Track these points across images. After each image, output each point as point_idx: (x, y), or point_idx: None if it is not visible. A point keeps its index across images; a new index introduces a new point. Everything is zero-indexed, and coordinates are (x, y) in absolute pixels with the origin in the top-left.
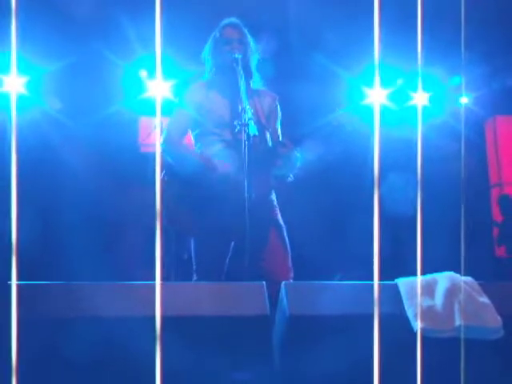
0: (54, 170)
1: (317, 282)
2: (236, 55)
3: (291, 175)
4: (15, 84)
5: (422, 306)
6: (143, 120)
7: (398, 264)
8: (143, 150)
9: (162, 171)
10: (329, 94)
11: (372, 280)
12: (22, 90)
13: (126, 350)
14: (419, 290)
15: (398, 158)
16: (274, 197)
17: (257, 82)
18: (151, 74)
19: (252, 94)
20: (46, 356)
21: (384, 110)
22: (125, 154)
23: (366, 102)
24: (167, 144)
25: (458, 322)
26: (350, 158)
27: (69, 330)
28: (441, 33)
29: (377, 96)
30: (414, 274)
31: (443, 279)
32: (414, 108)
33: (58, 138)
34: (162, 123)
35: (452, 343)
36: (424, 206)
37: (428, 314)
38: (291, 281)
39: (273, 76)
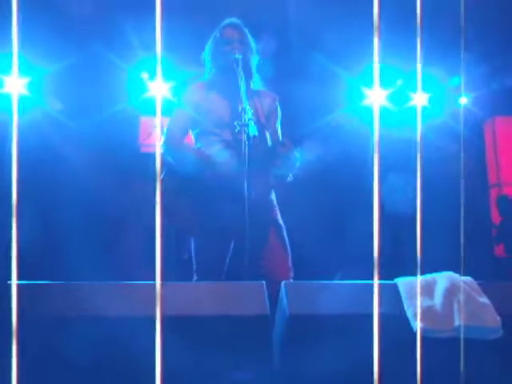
0: (55, 171)
1: (317, 281)
2: (236, 55)
3: (290, 175)
4: (17, 85)
5: (421, 306)
6: (144, 120)
7: (397, 264)
8: (144, 150)
9: (162, 171)
10: (328, 94)
11: (372, 280)
12: (24, 91)
13: (126, 350)
14: (419, 290)
15: (397, 159)
16: (273, 197)
17: (257, 83)
18: (152, 74)
19: (252, 94)
20: (46, 356)
21: (383, 111)
22: (125, 154)
23: (366, 102)
24: (168, 144)
25: (457, 321)
26: (349, 159)
27: (69, 329)
28: (440, 33)
29: (376, 96)
30: (414, 273)
31: (443, 279)
32: (414, 109)
33: (59, 139)
34: (162, 123)
35: (451, 343)
36: (423, 206)
37: (427, 313)
38: (291, 280)
39: (273, 76)
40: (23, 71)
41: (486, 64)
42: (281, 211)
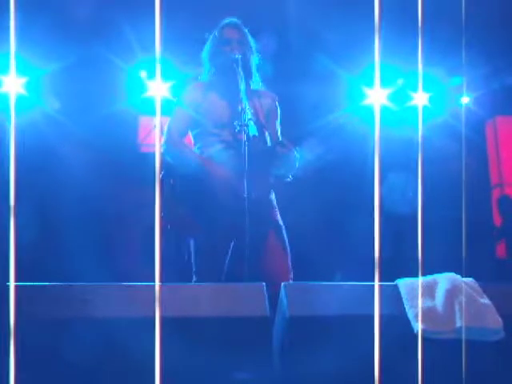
0: (54, 170)
1: (317, 282)
2: (236, 55)
3: (290, 175)
4: (14, 84)
5: (422, 307)
6: (143, 120)
7: (398, 265)
8: (143, 149)
9: (161, 171)
10: (329, 94)
11: (372, 281)
12: (22, 91)
13: (125, 351)
14: (420, 291)
15: (398, 159)
16: (273, 197)
17: (256, 83)
18: (151, 74)
19: (251, 94)
20: (44, 357)
21: (384, 110)
22: (124, 154)
23: (367, 102)
24: (167, 144)
25: (458, 323)
26: (350, 158)
27: (68, 331)
28: (441, 33)
29: (377, 96)
30: (415, 274)
31: (444, 280)
32: (415, 108)
33: (57, 139)
34: (161, 123)
35: (452, 344)
36: (425, 207)
37: (428, 315)
38: (291, 281)
39: (273, 76)
40: (21, 71)
41: (487, 63)
42: (281, 211)
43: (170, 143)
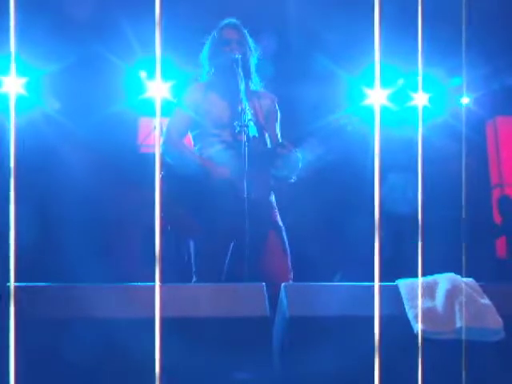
0: (54, 171)
1: (317, 283)
2: (236, 56)
3: (294, 176)
4: (14, 85)
5: (422, 308)
6: (143, 121)
7: (398, 265)
8: (143, 150)
9: (160, 172)
10: (329, 94)
11: (372, 281)
12: (22, 91)
13: (125, 352)
14: (420, 292)
15: (398, 159)
16: (273, 198)
17: (256, 83)
18: (150, 74)
19: (251, 95)
20: (44, 358)
21: (384, 111)
22: (124, 154)
23: (367, 102)
24: (167, 145)
25: (458, 323)
26: (350, 159)
27: (68, 331)
28: (441, 33)
29: (377, 96)
30: (415, 275)
31: (444, 280)
32: (415, 108)
33: (57, 139)
34: (161, 124)
35: (453, 345)
36: (425, 207)
37: (428, 315)
38: (291, 282)
39: (273, 76)
40: (21, 71)
41: (487, 63)
42: (281, 212)
43: (170, 144)
